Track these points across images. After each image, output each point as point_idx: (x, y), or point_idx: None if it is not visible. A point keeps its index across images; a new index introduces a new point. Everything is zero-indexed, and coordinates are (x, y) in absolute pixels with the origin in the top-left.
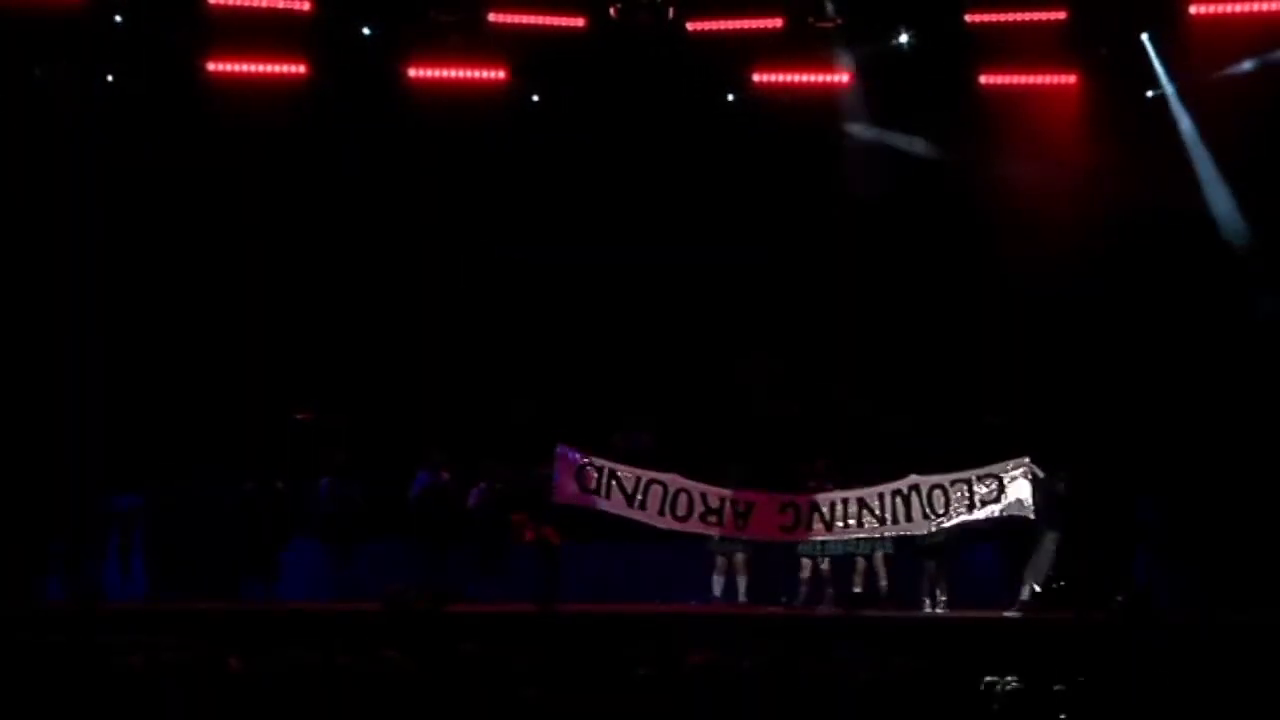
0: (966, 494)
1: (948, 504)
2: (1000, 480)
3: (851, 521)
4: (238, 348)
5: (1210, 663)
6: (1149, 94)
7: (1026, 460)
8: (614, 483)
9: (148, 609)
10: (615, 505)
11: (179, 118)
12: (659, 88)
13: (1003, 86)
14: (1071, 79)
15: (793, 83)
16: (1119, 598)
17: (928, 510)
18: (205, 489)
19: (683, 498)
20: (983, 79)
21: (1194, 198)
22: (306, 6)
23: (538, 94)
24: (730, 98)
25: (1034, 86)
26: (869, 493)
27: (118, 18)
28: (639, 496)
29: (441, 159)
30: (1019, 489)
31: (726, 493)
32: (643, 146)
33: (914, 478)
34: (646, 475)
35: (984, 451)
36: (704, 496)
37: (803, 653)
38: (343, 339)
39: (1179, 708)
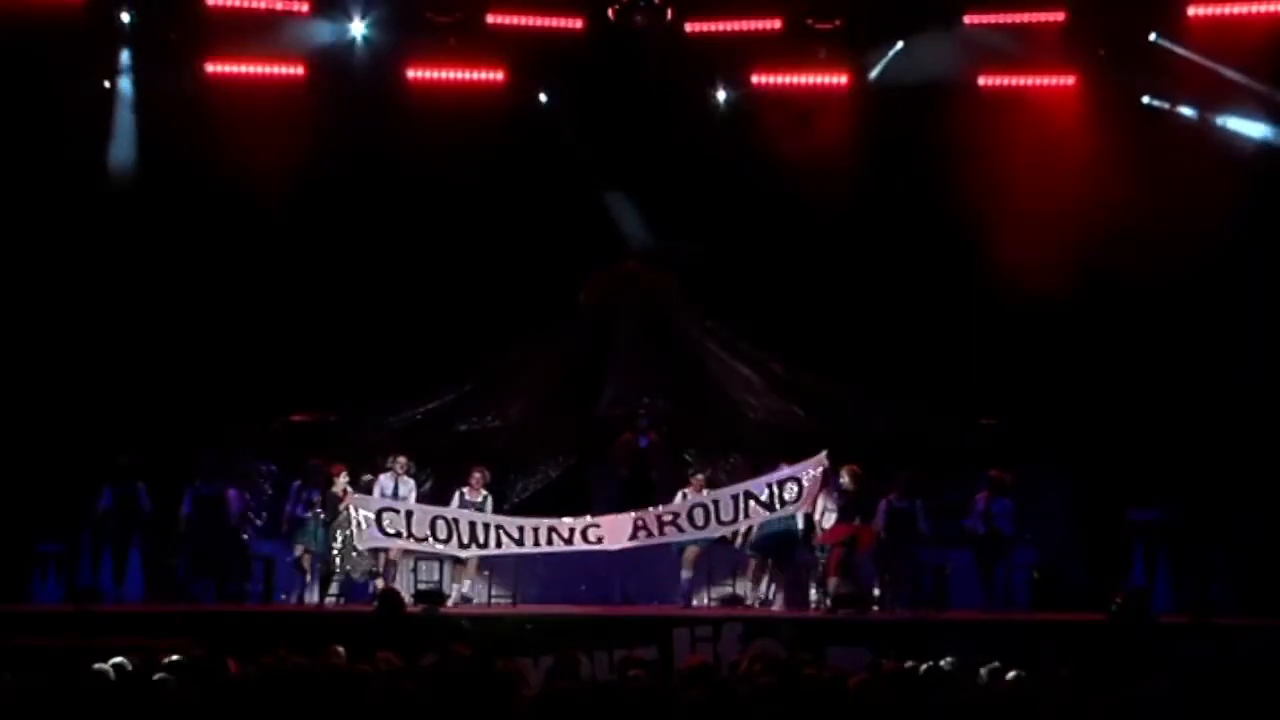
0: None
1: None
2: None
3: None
4: (236, 348)
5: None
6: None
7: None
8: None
9: (144, 611)
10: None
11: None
12: (658, 88)
13: (1002, 88)
14: (1070, 80)
15: (792, 84)
16: (1117, 599)
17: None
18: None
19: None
20: (981, 80)
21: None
22: (305, 8)
23: (536, 95)
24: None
25: (1033, 88)
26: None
27: (125, 16)
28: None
29: (441, 159)
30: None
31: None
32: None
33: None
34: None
35: (981, 453)
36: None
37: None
38: (343, 339)
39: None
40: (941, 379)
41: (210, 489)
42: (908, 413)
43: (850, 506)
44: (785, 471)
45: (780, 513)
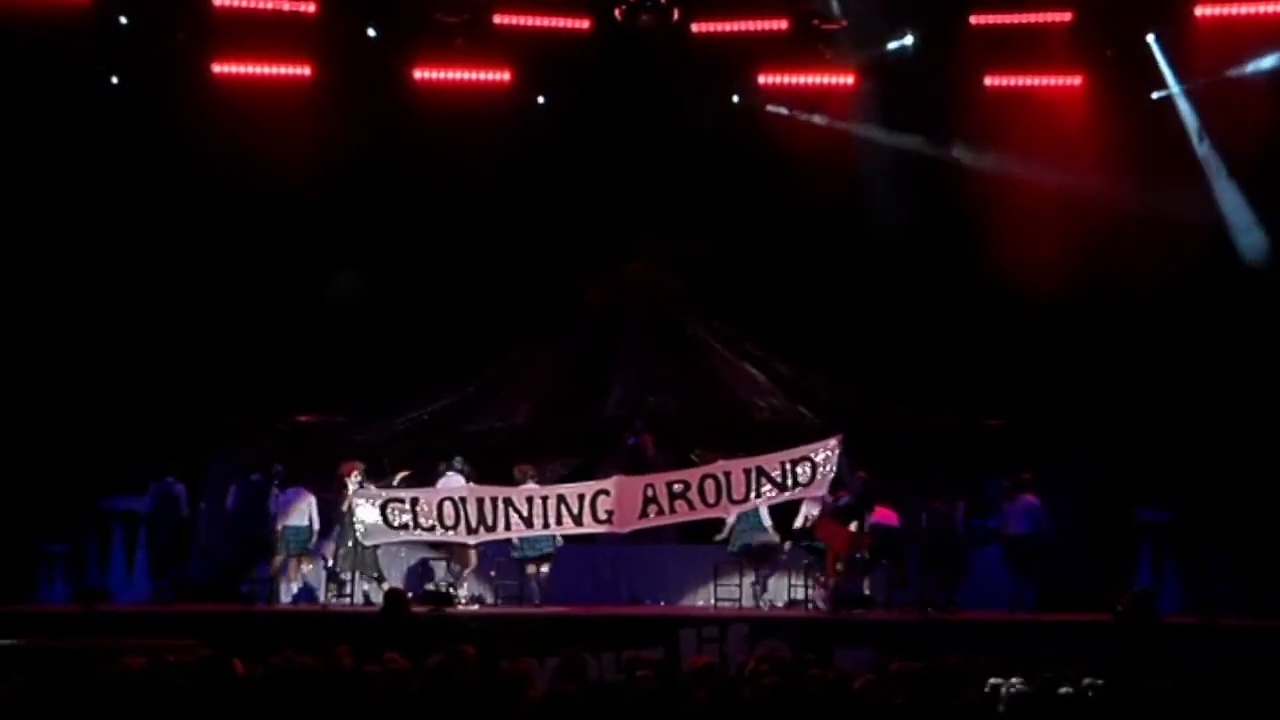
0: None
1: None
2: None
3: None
4: (238, 349)
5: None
6: (1154, 96)
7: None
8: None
9: (151, 611)
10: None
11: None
12: (664, 89)
13: (1008, 88)
14: (1077, 80)
15: (798, 84)
16: (1123, 600)
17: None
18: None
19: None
20: (988, 80)
21: (1197, 199)
22: (312, 8)
23: (543, 96)
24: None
25: (1039, 88)
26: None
27: (123, 19)
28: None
29: (446, 160)
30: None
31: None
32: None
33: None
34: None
35: (983, 453)
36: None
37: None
38: (347, 340)
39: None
40: (948, 379)
41: (251, 484)
42: (913, 414)
43: (852, 510)
44: (799, 450)
45: (791, 494)
